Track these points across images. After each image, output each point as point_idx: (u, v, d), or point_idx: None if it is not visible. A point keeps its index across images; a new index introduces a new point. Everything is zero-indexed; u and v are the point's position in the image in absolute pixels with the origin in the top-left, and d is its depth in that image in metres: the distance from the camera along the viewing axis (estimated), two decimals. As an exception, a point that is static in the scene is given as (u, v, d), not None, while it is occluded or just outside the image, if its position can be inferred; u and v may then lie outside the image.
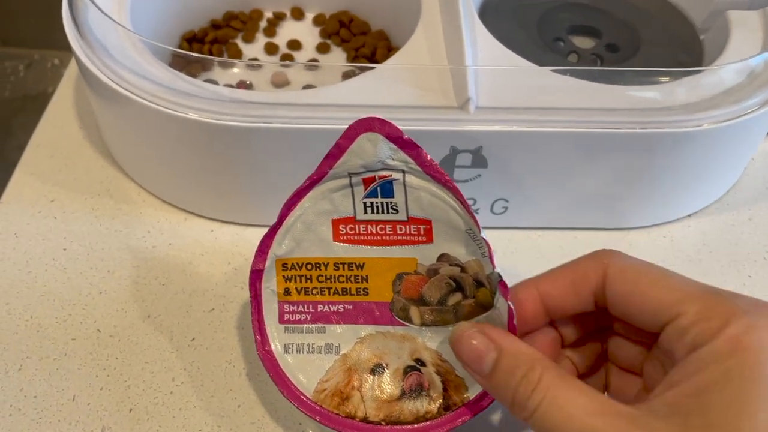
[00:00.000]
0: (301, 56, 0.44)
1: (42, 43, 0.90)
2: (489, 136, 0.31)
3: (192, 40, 0.43)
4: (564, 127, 0.31)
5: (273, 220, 0.35)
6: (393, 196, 0.26)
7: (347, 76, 0.42)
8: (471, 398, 0.26)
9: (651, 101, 0.32)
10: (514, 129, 0.31)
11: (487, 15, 0.40)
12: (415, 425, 0.26)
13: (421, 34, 0.36)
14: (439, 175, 0.25)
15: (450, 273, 0.26)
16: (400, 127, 0.24)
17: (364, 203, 0.26)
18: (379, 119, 0.25)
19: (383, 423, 0.26)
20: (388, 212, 0.26)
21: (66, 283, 0.32)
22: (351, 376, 0.27)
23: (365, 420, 0.26)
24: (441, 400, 0.26)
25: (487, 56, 0.34)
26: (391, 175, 0.25)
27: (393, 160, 0.25)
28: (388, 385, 0.27)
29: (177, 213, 0.36)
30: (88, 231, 0.35)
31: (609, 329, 0.25)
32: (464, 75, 0.32)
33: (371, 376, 0.27)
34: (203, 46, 0.43)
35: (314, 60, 0.43)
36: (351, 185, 0.26)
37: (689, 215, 0.37)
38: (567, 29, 0.41)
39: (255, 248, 0.34)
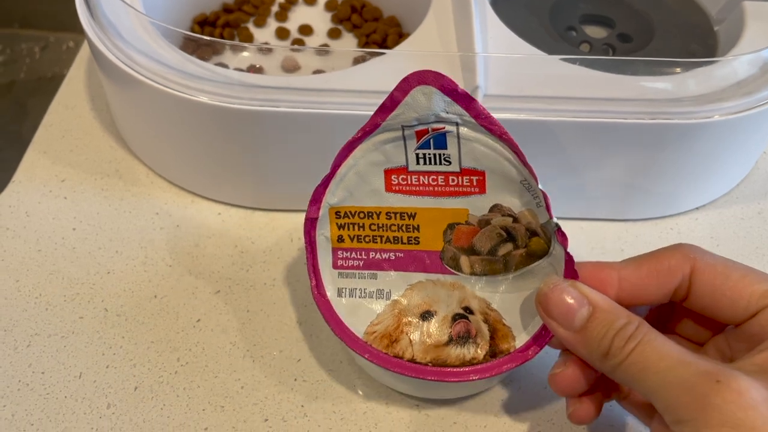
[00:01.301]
0: (312, 41, 0.44)
1: (57, 25, 0.91)
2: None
3: (203, 23, 0.43)
4: (572, 117, 0.31)
5: (280, 204, 0.36)
6: (446, 148, 0.26)
7: (357, 61, 0.42)
8: (517, 347, 0.27)
9: (661, 92, 0.32)
10: (522, 117, 0.31)
11: (499, 3, 0.39)
12: (462, 368, 0.27)
13: (432, 20, 0.36)
14: (494, 127, 0.25)
15: (502, 223, 0.27)
16: (455, 83, 0.25)
17: (417, 154, 0.26)
18: (433, 72, 0.25)
19: (430, 364, 0.27)
20: (440, 163, 0.26)
21: (75, 262, 0.33)
22: (400, 321, 0.28)
23: (413, 360, 0.27)
24: (487, 348, 0.27)
25: (497, 44, 0.34)
26: (444, 128, 0.26)
27: (447, 112, 0.25)
28: (436, 330, 0.27)
29: (185, 195, 0.36)
30: (98, 211, 0.35)
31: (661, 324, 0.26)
32: (473, 62, 0.32)
33: (420, 322, 0.27)
34: (214, 29, 0.43)
35: (325, 45, 0.43)
36: (404, 137, 0.26)
37: (697, 208, 0.37)
38: (579, 18, 0.41)
39: (262, 232, 0.35)
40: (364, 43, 0.43)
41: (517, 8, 0.40)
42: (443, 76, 0.25)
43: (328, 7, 0.46)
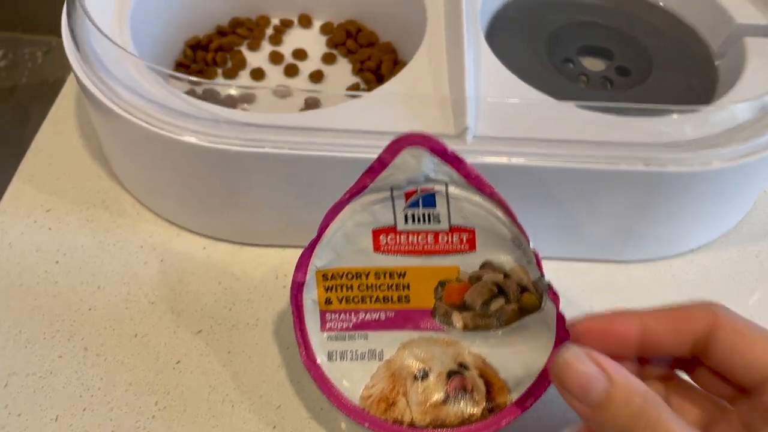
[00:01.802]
0: (306, 66, 0.43)
1: (60, 30, 0.90)
2: (485, 168, 0.30)
3: (196, 47, 0.43)
4: (564, 162, 0.30)
5: (267, 240, 0.35)
6: (435, 207, 0.26)
7: (352, 89, 0.41)
8: (514, 400, 0.26)
9: (657, 135, 0.31)
10: (512, 162, 0.30)
11: (495, 32, 0.39)
12: (461, 428, 0.26)
13: (425, 52, 0.35)
14: (484, 187, 0.25)
15: (493, 279, 0.27)
16: (444, 144, 0.24)
17: (405, 214, 0.26)
18: (422, 135, 0.24)
19: (430, 427, 0.26)
20: (429, 222, 0.26)
21: (56, 297, 0.33)
22: (396, 382, 0.27)
23: (412, 425, 0.26)
24: (485, 403, 0.27)
25: (490, 81, 0.33)
26: (433, 188, 0.25)
27: (436, 173, 0.25)
28: (432, 389, 0.27)
29: (170, 228, 0.35)
30: (82, 244, 0.35)
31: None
32: (463, 103, 0.31)
33: (416, 381, 0.27)
34: (207, 53, 0.42)
35: (319, 72, 0.42)
36: (392, 198, 0.26)
37: (693, 250, 0.36)
38: (577, 49, 0.40)
39: (247, 268, 0.34)
40: (358, 70, 0.42)
41: (514, 38, 0.39)
42: (432, 138, 0.24)
43: (324, 30, 0.45)
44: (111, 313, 0.32)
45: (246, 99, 0.40)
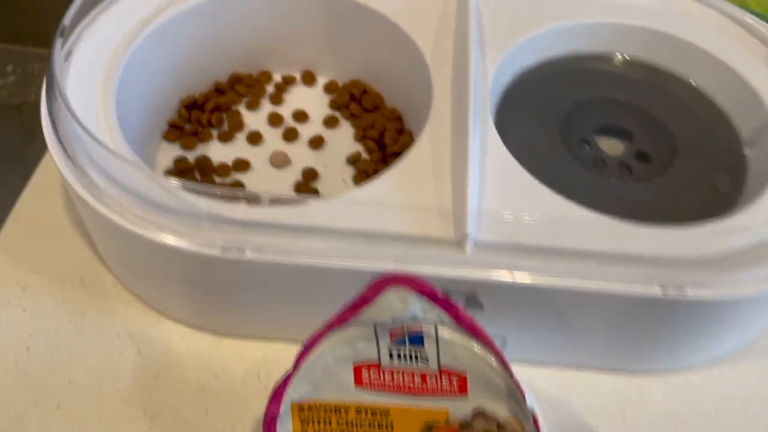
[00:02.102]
0: (306, 129, 0.41)
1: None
2: (485, 284, 0.28)
3: (192, 106, 0.40)
4: (571, 281, 0.27)
5: (249, 332, 0.33)
6: (423, 346, 0.24)
7: (353, 159, 0.39)
8: None
9: (675, 247, 0.28)
10: (515, 281, 0.27)
11: (506, 107, 0.36)
12: None
13: (428, 137, 0.33)
14: (477, 333, 0.23)
15: (485, 429, 0.24)
16: (434, 287, 0.22)
17: (390, 351, 0.24)
18: (408, 277, 0.22)
19: None
20: (417, 361, 0.24)
21: (24, 392, 0.31)
22: None
23: None
24: None
25: (496, 174, 0.31)
26: (421, 328, 0.23)
27: (425, 314, 0.23)
28: None
29: (150, 313, 0.33)
30: (56, 329, 0.33)
31: None
32: (464, 207, 0.28)
33: None
34: (202, 114, 0.40)
35: (319, 138, 0.40)
36: (376, 334, 0.24)
37: (712, 361, 0.33)
38: (595, 129, 0.37)
39: (227, 363, 0.32)
40: (361, 136, 0.40)
41: (526, 115, 0.36)
42: (419, 281, 0.22)
43: (328, 89, 0.43)
44: (80, 411, 0.30)
45: (240, 167, 0.38)
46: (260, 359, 0.32)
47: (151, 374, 0.31)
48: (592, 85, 0.38)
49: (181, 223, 0.28)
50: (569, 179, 0.34)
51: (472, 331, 0.22)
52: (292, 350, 0.32)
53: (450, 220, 0.29)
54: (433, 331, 0.23)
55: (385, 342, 0.23)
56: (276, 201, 0.29)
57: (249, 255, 0.27)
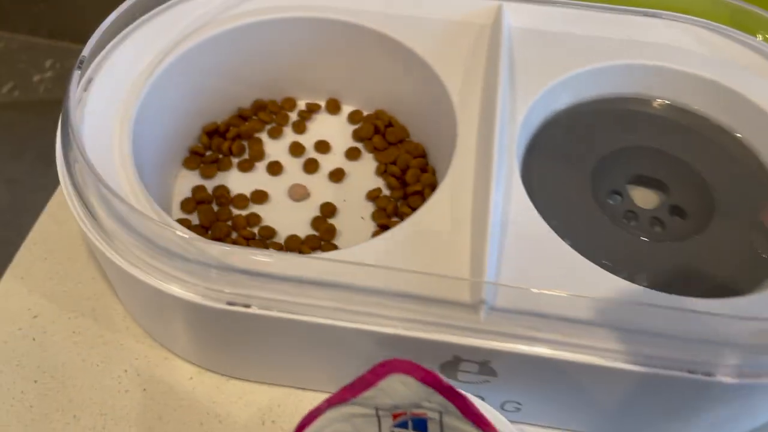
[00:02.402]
0: (327, 160, 0.40)
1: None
2: (500, 354, 0.26)
3: (213, 133, 0.40)
4: (593, 358, 0.26)
5: (257, 376, 0.32)
6: (426, 431, 0.23)
7: (372, 196, 0.38)
8: None
9: (710, 325, 0.26)
10: (532, 352, 0.26)
11: (534, 153, 0.34)
12: None
13: (449, 185, 0.31)
14: (485, 425, 0.22)
15: None
16: (438, 376, 0.21)
17: None
18: (411, 364, 0.21)
19: None
20: None
21: (28, 426, 0.30)
22: None
23: None
24: None
25: (518, 229, 0.29)
26: (425, 414, 0.22)
27: (429, 402, 0.22)
28: None
29: (159, 350, 0.33)
30: (64, 361, 0.32)
31: None
32: (482, 270, 0.27)
33: None
34: (224, 141, 0.39)
35: (339, 171, 0.39)
36: (377, 415, 0.23)
37: (740, 436, 0.31)
38: (627, 179, 0.35)
39: (233, 407, 0.31)
40: (382, 171, 0.39)
41: (556, 161, 0.35)
42: (422, 369, 0.21)
43: (352, 119, 0.42)
44: (82, 451, 0.30)
45: (258, 198, 0.37)
46: (266, 405, 0.31)
47: (154, 416, 0.31)
48: (627, 131, 0.36)
49: (188, 272, 0.27)
50: (596, 233, 0.32)
51: (479, 423, 0.21)
52: (299, 396, 0.32)
53: (467, 286, 0.28)
54: (438, 417, 0.22)
55: (387, 422, 0.22)
56: (284, 256, 0.28)
57: (255, 310, 0.27)
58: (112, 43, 0.35)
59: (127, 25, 0.35)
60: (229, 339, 0.29)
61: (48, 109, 0.85)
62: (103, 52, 0.34)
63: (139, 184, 0.30)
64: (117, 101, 0.33)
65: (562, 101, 0.37)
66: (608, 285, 0.28)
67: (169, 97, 0.36)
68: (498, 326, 0.26)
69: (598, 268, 0.29)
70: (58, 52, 0.91)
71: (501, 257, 0.28)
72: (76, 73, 0.31)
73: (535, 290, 0.26)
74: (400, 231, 0.30)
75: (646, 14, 0.38)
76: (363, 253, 0.29)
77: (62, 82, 0.89)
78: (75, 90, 0.31)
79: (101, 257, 0.29)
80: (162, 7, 0.36)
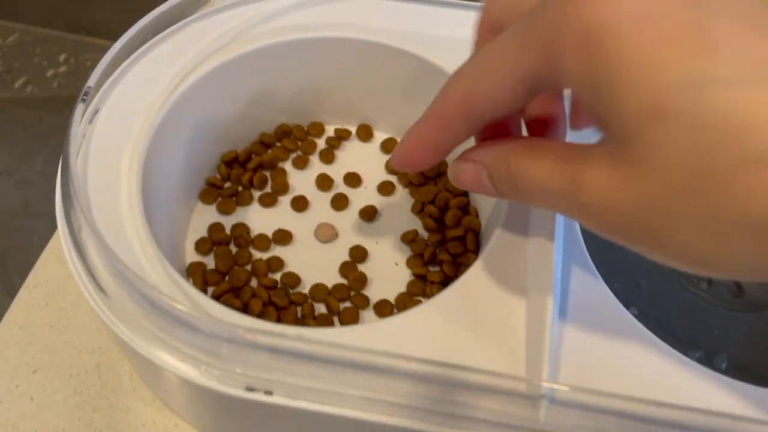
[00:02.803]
0: (358, 196, 0.36)
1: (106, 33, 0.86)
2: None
3: (233, 162, 0.36)
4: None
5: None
6: None
7: (408, 238, 0.34)
8: None
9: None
10: (597, 456, 0.22)
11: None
12: None
13: (498, 241, 0.27)
14: None
15: None
16: None
17: None
18: None
19: None
20: None
21: (22, 503, 0.27)
22: None
23: None
24: None
25: (581, 299, 0.26)
26: None
27: None
28: None
29: (168, 415, 0.30)
30: (64, 426, 0.29)
31: None
32: (542, 357, 0.23)
33: None
34: (245, 173, 0.35)
35: (371, 209, 0.35)
36: None
37: None
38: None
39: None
40: (419, 209, 0.35)
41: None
42: None
43: (385, 147, 0.38)
44: None
45: (281, 239, 0.34)
46: (286, 484, 0.28)
47: (163, 493, 0.28)
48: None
49: (200, 349, 0.24)
50: (665, 300, 0.28)
51: None
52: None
53: (521, 363, 0.24)
54: None
55: None
56: (309, 332, 0.24)
57: (277, 399, 0.23)
58: (121, 68, 0.31)
59: (137, 47, 0.31)
60: (248, 419, 0.26)
61: (62, 106, 0.82)
62: (110, 79, 0.31)
63: (148, 234, 0.27)
64: (127, 133, 0.30)
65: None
66: (681, 372, 0.24)
67: (184, 126, 0.33)
68: (561, 423, 0.23)
69: (669, 348, 0.25)
70: (74, 46, 0.87)
71: (561, 339, 0.24)
72: (80, 108, 0.28)
73: (601, 389, 0.23)
74: (444, 299, 0.26)
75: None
76: (400, 326, 0.25)
77: (77, 77, 0.85)
78: (77, 129, 0.27)
79: (104, 323, 0.26)
80: (175, 27, 0.32)
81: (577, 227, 0.28)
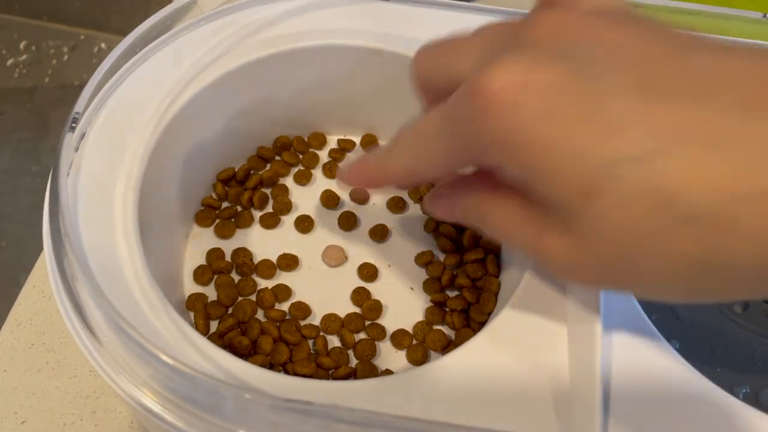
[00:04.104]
0: (366, 214, 0.34)
1: (90, 22, 0.81)
2: None
3: (230, 180, 0.33)
4: None
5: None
6: None
7: (423, 261, 0.32)
8: None
9: None
10: None
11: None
12: None
13: (530, 279, 0.25)
14: None
15: None
16: None
17: None
18: None
19: None
20: None
21: None
22: None
23: None
24: None
25: (623, 338, 0.24)
26: None
27: None
28: None
29: (175, 468, 0.27)
30: (60, 484, 0.27)
31: None
32: (593, 418, 0.21)
33: None
34: (244, 192, 0.33)
35: (382, 228, 0.33)
36: None
37: None
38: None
39: None
40: (432, 229, 0.33)
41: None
42: None
43: (393, 159, 0.35)
44: None
45: (286, 264, 0.31)
46: None
47: None
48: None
49: (201, 408, 0.21)
50: (704, 329, 0.27)
51: None
52: None
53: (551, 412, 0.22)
54: None
55: None
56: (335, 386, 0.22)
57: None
58: (108, 86, 0.28)
59: (123, 64, 0.28)
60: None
61: (23, 98, 0.77)
62: (98, 98, 0.27)
63: (147, 273, 0.24)
64: (118, 161, 0.27)
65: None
66: (731, 415, 0.23)
67: (180, 146, 0.30)
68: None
69: (717, 388, 0.23)
70: (35, 32, 0.82)
71: (609, 387, 0.23)
72: (68, 138, 0.25)
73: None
74: (477, 344, 0.24)
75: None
76: (434, 376, 0.23)
77: (39, 66, 0.80)
78: (66, 163, 0.24)
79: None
80: (165, 37, 0.29)
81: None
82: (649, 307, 0.25)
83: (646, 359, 0.24)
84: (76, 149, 0.26)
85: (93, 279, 0.22)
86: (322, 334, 0.30)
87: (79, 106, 0.25)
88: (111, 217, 0.25)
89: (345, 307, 0.31)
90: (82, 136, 0.27)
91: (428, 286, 0.31)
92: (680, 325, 0.26)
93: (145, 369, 0.22)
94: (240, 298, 0.30)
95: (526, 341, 0.24)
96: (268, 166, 0.34)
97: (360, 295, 0.31)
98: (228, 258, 0.31)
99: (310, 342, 0.29)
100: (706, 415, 0.23)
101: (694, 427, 0.22)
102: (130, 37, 0.28)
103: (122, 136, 0.27)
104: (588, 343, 0.23)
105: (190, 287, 0.31)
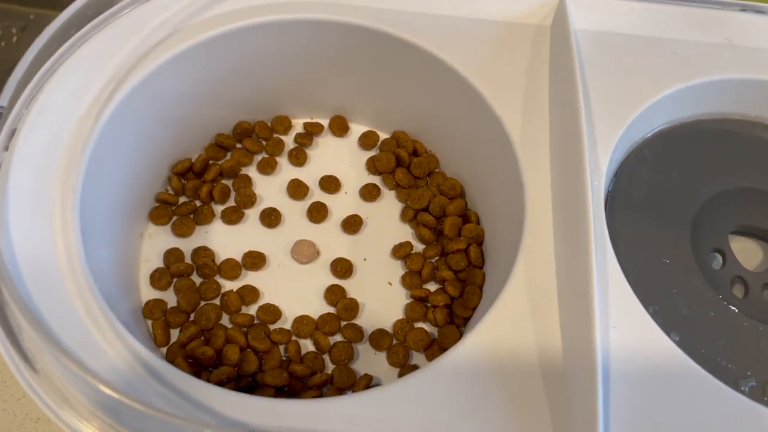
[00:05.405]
0: (338, 203, 0.31)
1: (40, 1, 0.76)
2: None
3: (187, 172, 0.30)
4: None
5: None
6: None
7: (401, 253, 0.30)
8: None
9: None
10: None
11: (618, 208, 0.26)
12: None
13: (523, 271, 0.23)
14: None
15: None
16: None
17: None
18: None
19: None
20: None
21: None
22: None
23: None
24: None
25: (623, 334, 0.22)
26: None
27: None
28: None
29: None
30: None
31: None
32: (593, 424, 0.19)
33: None
34: (202, 185, 0.30)
35: (355, 218, 0.30)
36: None
37: None
38: (732, 230, 0.28)
39: None
40: (410, 218, 0.30)
41: (645, 217, 0.27)
42: None
43: (364, 142, 0.33)
44: None
45: (252, 263, 0.29)
46: None
47: None
48: (735, 171, 0.28)
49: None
50: (704, 319, 0.25)
51: None
52: None
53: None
54: None
55: None
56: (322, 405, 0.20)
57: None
58: (40, 74, 0.25)
59: (58, 46, 0.25)
60: None
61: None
62: (28, 89, 0.24)
63: (92, 285, 0.21)
64: (54, 157, 0.24)
65: (645, 131, 0.28)
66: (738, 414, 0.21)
67: (125, 138, 0.27)
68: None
69: (723, 386, 0.22)
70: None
71: (609, 389, 0.21)
72: (-10, 136, 0.22)
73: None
74: (468, 348, 0.22)
75: (745, 9, 0.30)
76: (423, 387, 0.21)
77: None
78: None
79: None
80: (104, 15, 0.26)
81: (610, 250, 0.24)
82: (645, 296, 0.23)
83: (646, 359, 0.22)
84: (6, 148, 0.23)
85: (23, 303, 0.19)
86: (294, 338, 0.27)
87: (3, 99, 0.22)
88: (48, 225, 0.22)
89: (318, 308, 0.28)
90: (12, 132, 0.24)
91: (408, 281, 0.29)
92: (679, 316, 0.25)
93: (91, 398, 0.19)
94: (202, 303, 0.28)
95: (519, 340, 0.22)
96: (229, 155, 0.32)
97: (334, 294, 0.28)
98: (188, 259, 0.29)
99: (282, 348, 0.27)
100: (712, 414, 0.21)
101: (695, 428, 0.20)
102: (62, 17, 0.24)
103: (58, 131, 0.24)
104: (587, 343, 0.21)
105: (147, 293, 0.28)
